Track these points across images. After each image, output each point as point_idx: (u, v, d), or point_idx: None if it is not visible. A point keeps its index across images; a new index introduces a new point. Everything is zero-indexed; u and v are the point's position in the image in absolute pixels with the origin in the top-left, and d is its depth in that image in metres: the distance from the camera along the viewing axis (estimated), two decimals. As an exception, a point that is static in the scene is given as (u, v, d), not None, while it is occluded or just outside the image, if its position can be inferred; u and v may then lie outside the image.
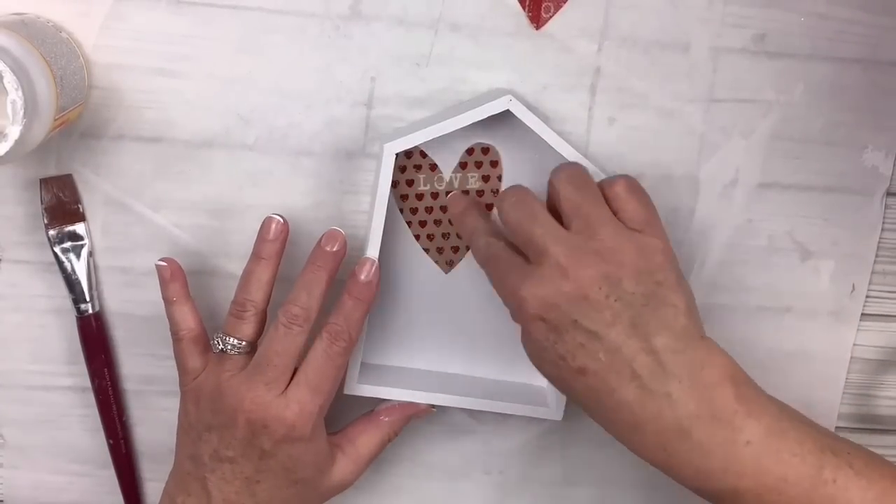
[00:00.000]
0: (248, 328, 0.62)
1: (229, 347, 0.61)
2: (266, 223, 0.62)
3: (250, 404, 0.59)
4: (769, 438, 0.55)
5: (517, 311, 0.57)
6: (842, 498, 0.55)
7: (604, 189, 0.59)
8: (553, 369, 0.57)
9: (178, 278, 0.63)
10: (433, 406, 0.67)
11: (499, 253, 0.59)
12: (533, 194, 0.59)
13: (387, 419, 0.66)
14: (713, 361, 0.56)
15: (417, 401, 0.67)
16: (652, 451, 0.56)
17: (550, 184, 0.59)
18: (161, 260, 0.63)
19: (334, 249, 0.61)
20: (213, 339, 0.62)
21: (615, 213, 0.58)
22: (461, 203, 0.65)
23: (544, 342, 0.56)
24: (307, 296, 0.61)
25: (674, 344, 0.55)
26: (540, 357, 0.58)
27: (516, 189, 0.60)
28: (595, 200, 0.58)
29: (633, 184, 0.59)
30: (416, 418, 0.67)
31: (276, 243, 0.62)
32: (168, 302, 0.63)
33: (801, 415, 0.58)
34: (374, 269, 0.62)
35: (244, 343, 0.61)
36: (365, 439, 0.65)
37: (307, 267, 0.61)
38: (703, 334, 0.57)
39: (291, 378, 0.60)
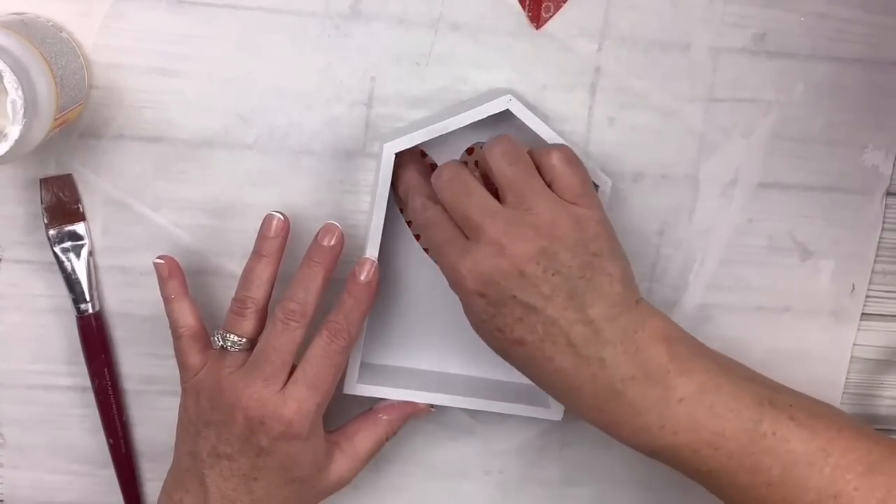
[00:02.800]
0: (248, 325, 0.62)
1: (229, 344, 0.61)
2: (267, 220, 0.62)
3: (248, 400, 0.59)
4: (703, 395, 0.56)
5: (456, 285, 0.58)
6: (782, 449, 0.56)
7: (538, 159, 0.59)
8: (492, 340, 0.59)
9: (175, 275, 0.63)
10: (432, 406, 0.67)
11: (436, 220, 0.60)
12: (467, 170, 0.59)
13: (385, 417, 0.66)
14: (647, 324, 0.57)
15: (417, 401, 0.67)
16: (590, 411, 0.58)
17: (482, 158, 0.60)
18: (159, 257, 0.63)
19: (331, 244, 0.61)
20: (214, 336, 0.62)
21: (549, 184, 0.58)
22: (407, 159, 0.64)
23: (483, 315, 0.57)
24: (304, 292, 0.61)
25: (608, 312, 0.57)
26: (479, 328, 0.59)
27: (450, 164, 0.60)
28: (528, 173, 0.58)
29: (568, 153, 0.59)
30: (414, 418, 0.67)
31: (277, 240, 0.62)
32: (167, 299, 0.63)
33: (745, 370, 0.60)
34: (373, 269, 0.62)
35: (244, 340, 0.61)
36: (363, 437, 0.65)
37: (304, 262, 0.62)
38: (638, 299, 0.59)
39: (290, 375, 0.60)
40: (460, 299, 0.59)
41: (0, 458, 0.69)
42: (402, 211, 0.66)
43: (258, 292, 0.62)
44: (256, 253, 0.62)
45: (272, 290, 0.62)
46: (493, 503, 0.73)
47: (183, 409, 0.63)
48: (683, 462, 0.58)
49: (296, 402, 0.59)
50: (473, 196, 0.58)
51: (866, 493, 0.56)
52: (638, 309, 0.58)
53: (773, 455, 0.56)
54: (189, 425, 0.62)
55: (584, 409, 0.58)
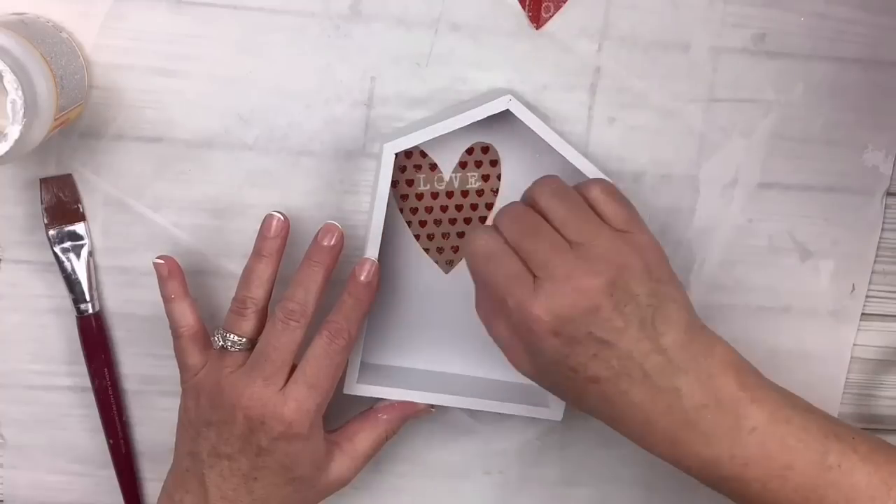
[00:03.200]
0: (248, 325, 0.62)
1: (229, 344, 0.61)
2: (267, 220, 0.62)
3: (248, 400, 0.59)
4: (773, 425, 0.55)
5: (526, 328, 0.56)
6: (846, 483, 0.55)
7: (581, 194, 0.58)
8: (563, 382, 0.57)
9: (175, 275, 0.63)
10: (433, 407, 0.67)
11: (500, 255, 0.57)
12: (531, 210, 0.58)
13: (385, 417, 0.66)
14: (715, 351, 0.57)
15: (417, 401, 0.67)
16: (662, 445, 0.56)
17: (533, 201, 0.58)
18: (158, 257, 0.63)
19: (331, 244, 0.61)
20: (214, 336, 0.62)
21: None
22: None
23: (556, 356, 0.55)
24: (304, 291, 0.61)
25: (680, 338, 0.55)
26: (547, 371, 0.57)
27: (514, 205, 0.59)
28: (582, 209, 0.57)
29: (608, 186, 0.59)
30: (414, 418, 0.67)
31: (277, 240, 0.62)
32: (167, 299, 0.63)
33: (804, 401, 0.58)
34: (373, 269, 0.62)
35: (244, 340, 0.61)
36: (363, 437, 0.65)
37: (304, 262, 0.62)
38: (703, 325, 0.58)
39: (290, 375, 0.60)
40: (526, 340, 0.56)
41: (0, 458, 0.69)
42: (402, 211, 0.66)
43: (258, 292, 0.62)
44: (256, 253, 0.62)
45: (272, 289, 0.62)
46: (494, 503, 0.73)
47: (183, 409, 0.63)
48: (748, 495, 0.56)
49: (295, 402, 0.59)
50: (541, 233, 0.56)
51: None
52: (704, 334, 0.57)
53: (838, 489, 0.55)
54: (189, 425, 0.62)
55: (656, 442, 0.57)
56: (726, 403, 0.55)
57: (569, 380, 0.56)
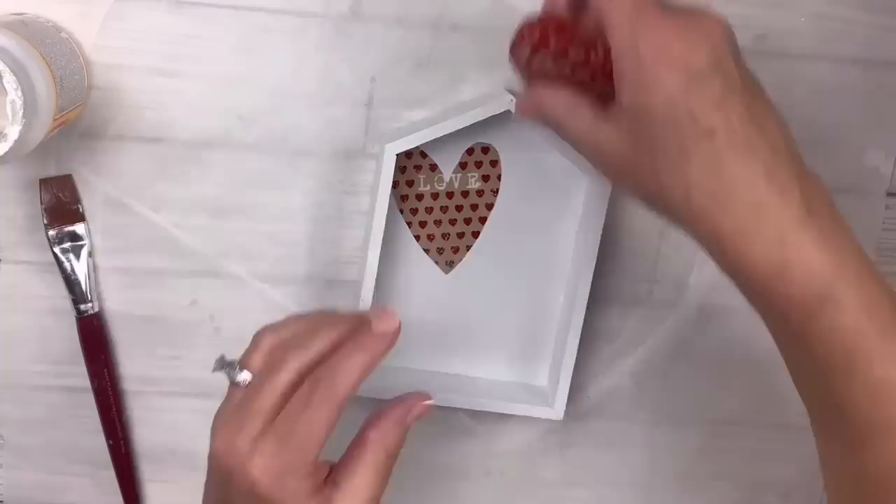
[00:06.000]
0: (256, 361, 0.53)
1: (236, 376, 0.53)
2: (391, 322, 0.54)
3: (218, 443, 0.51)
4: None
5: (653, 56, 0.48)
6: None
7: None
8: (668, 133, 0.48)
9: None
10: (430, 399, 0.57)
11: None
12: None
13: (378, 437, 0.54)
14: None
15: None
16: (765, 242, 0.48)
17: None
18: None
19: (386, 332, 0.54)
20: (216, 359, 0.54)
21: None
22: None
23: (677, 95, 0.48)
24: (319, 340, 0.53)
25: (781, 123, 0.50)
26: (651, 118, 0.48)
27: None
28: None
29: None
30: (418, 421, 0.56)
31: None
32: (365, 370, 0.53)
33: None
34: (393, 322, 0.54)
35: (244, 373, 0.53)
36: (363, 469, 0.53)
37: (348, 346, 0.53)
38: None
39: None
40: (643, 76, 0.48)
41: (0, 459, 0.69)
42: (401, 211, 0.66)
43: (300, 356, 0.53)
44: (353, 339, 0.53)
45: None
46: (493, 503, 0.73)
47: None
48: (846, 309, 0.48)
49: (262, 459, 0.50)
50: None
51: None
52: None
53: None
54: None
55: (761, 238, 0.48)
56: (831, 211, 0.49)
57: (678, 131, 0.48)
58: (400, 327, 0.53)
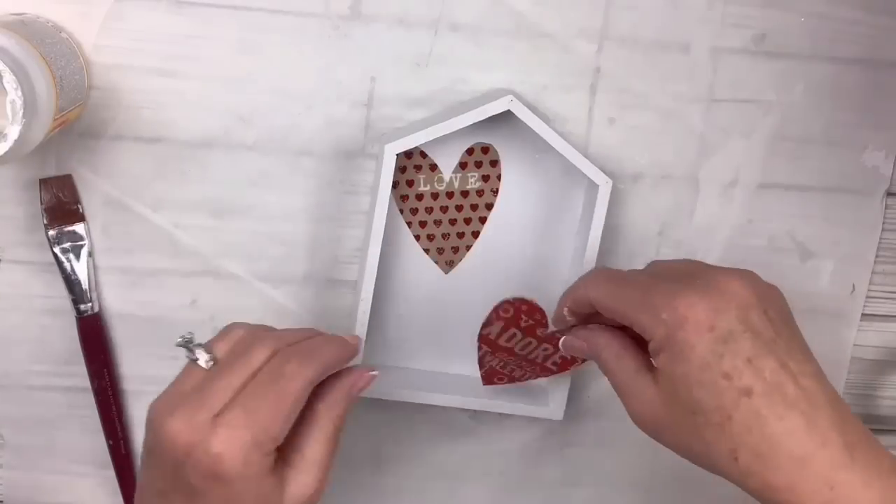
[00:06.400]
0: (222, 347, 0.54)
1: (199, 357, 0.52)
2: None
3: (174, 422, 0.49)
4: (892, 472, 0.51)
5: (677, 324, 0.50)
6: None
7: (657, 269, 0.57)
8: (707, 396, 0.50)
9: (352, 358, 0.56)
10: (374, 369, 0.56)
11: (621, 273, 0.56)
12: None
13: (325, 406, 0.54)
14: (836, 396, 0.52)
15: (416, 401, 0.67)
16: (816, 493, 0.49)
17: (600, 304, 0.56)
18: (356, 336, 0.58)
19: (353, 354, 0.56)
20: (183, 335, 0.54)
21: None
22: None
23: (708, 358, 0.50)
24: (302, 335, 0.54)
25: (819, 373, 0.52)
26: (689, 384, 0.50)
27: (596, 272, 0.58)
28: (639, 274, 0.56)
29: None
30: (362, 391, 0.56)
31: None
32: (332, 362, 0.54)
33: None
34: (358, 345, 0.57)
35: (208, 356, 0.53)
36: (311, 442, 0.53)
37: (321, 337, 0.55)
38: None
39: None
40: (673, 346, 0.51)
41: (0, 459, 0.69)
42: (401, 211, 0.66)
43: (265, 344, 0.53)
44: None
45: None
46: (493, 503, 0.73)
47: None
48: None
49: (226, 430, 0.49)
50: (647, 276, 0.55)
51: None
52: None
53: None
54: (143, 454, 0.54)
55: (812, 489, 0.49)
56: (866, 442, 0.50)
57: (717, 394, 0.50)
58: (360, 345, 0.56)
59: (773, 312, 0.52)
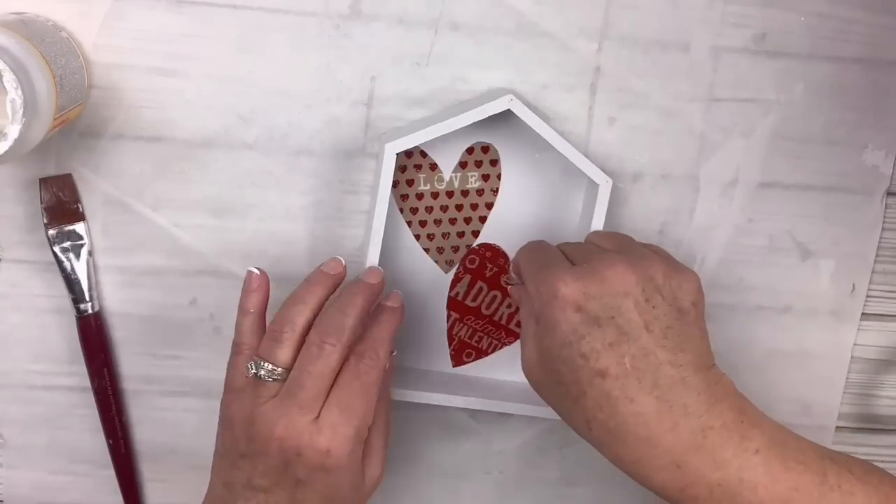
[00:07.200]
0: (284, 353, 0.59)
1: (264, 373, 0.58)
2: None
3: (283, 430, 0.57)
4: (774, 448, 0.55)
5: (548, 299, 0.54)
6: (849, 503, 0.55)
7: (579, 245, 0.60)
8: (567, 373, 0.54)
9: (262, 291, 0.61)
10: (395, 301, 0.62)
11: (544, 246, 0.59)
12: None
13: (378, 400, 0.61)
14: (722, 381, 0.56)
15: (416, 400, 0.67)
16: (664, 470, 0.54)
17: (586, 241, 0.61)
18: (254, 267, 0.61)
19: (372, 282, 0.61)
20: (248, 364, 0.59)
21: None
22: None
23: (570, 336, 0.54)
24: (341, 315, 0.58)
25: (696, 362, 0.54)
26: (556, 355, 0.54)
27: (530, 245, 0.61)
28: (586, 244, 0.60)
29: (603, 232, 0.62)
30: (391, 373, 0.63)
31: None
32: (243, 311, 0.61)
33: (791, 430, 0.58)
34: (398, 299, 0.62)
35: (279, 370, 0.58)
36: (374, 432, 0.61)
37: (343, 291, 0.60)
38: (713, 363, 0.57)
39: None
40: (543, 319, 0.55)
41: (0, 458, 0.69)
42: (402, 211, 0.66)
43: (299, 319, 0.59)
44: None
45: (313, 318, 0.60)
46: (494, 503, 0.73)
47: (219, 437, 0.60)
48: None
49: (331, 429, 0.57)
50: (587, 243, 0.60)
51: None
52: (715, 368, 0.56)
53: None
54: (225, 455, 0.59)
55: (658, 466, 0.54)
56: (730, 425, 0.54)
57: (574, 370, 0.54)
58: (403, 308, 0.62)
59: (662, 302, 0.55)
